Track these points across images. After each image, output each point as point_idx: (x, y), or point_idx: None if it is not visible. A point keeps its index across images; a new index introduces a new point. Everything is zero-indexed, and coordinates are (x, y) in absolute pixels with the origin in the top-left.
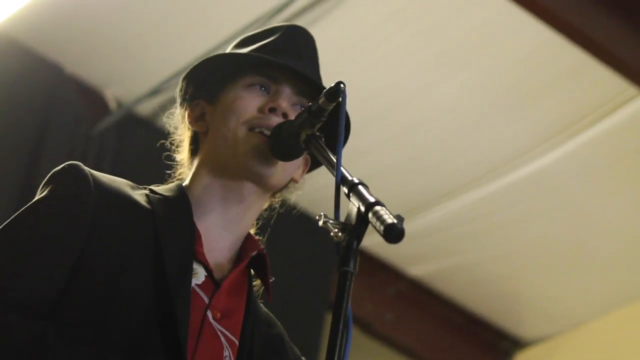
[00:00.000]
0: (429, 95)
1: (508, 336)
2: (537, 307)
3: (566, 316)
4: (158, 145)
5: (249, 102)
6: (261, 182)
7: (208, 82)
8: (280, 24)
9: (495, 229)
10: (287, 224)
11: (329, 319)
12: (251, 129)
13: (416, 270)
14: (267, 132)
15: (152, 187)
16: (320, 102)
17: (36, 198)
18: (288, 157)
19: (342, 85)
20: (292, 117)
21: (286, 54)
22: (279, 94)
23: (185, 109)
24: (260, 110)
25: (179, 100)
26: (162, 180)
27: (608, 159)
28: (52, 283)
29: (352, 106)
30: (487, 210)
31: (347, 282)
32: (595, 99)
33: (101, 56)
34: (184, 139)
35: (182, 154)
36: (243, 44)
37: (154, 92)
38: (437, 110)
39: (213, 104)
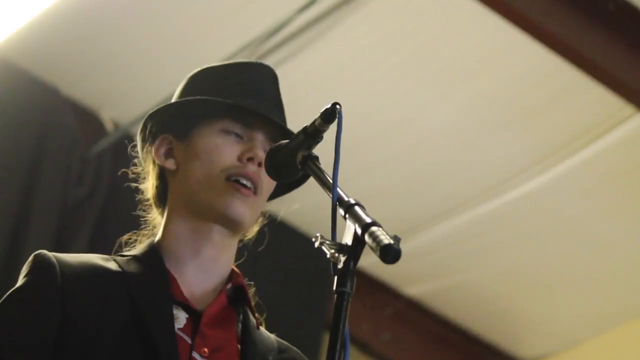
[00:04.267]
0: (424, 115)
1: (505, 355)
2: (535, 326)
3: (563, 335)
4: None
5: (227, 151)
6: (234, 227)
7: (177, 118)
8: (244, 61)
9: (491, 248)
10: (284, 244)
11: (326, 339)
12: (228, 178)
13: (413, 290)
14: (244, 182)
15: (124, 253)
16: (316, 123)
17: (10, 290)
18: (283, 177)
19: (338, 106)
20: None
21: (256, 98)
22: (254, 141)
23: (151, 144)
24: (240, 159)
25: (141, 135)
26: None
27: (604, 178)
28: None
29: (348, 127)
30: (483, 230)
31: (344, 303)
32: (591, 118)
33: (97, 78)
34: (148, 175)
35: (149, 192)
36: (206, 79)
37: None
38: (432, 130)
39: (182, 141)
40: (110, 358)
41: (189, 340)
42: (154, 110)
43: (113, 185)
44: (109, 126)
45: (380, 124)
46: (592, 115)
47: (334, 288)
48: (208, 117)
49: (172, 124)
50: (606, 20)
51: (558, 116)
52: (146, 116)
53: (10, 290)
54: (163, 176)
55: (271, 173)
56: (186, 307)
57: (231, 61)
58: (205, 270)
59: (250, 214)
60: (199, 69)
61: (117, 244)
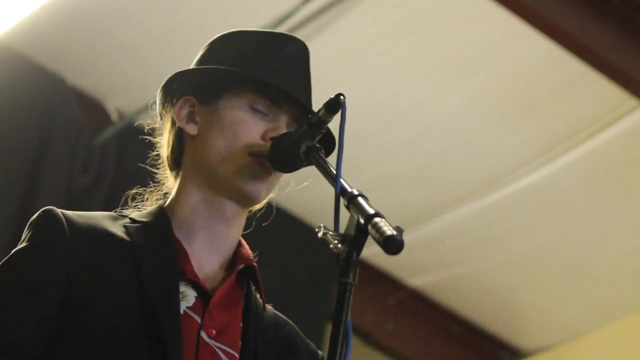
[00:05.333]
0: (429, 107)
1: (508, 346)
2: (537, 318)
3: (566, 326)
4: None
5: (252, 127)
6: (248, 204)
7: (204, 82)
8: (279, 32)
9: (495, 239)
10: (288, 234)
11: (329, 329)
12: (251, 154)
13: (416, 280)
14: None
15: (133, 214)
16: (320, 114)
17: (17, 247)
18: (288, 168)
19: (342, 97)
20: None
21: (287, 76)
22: (279, 121)
23: (172, 102)
24: (263, 137)
25: (163, 91)
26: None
27: (608, 170)
28: (35, 333)
29: (353, 118)
30: (487, 221)
31: (347, 293)
32: (595, 110)
33: (102, 67)
34: (165, 133)
35: (163, 151)
36: (237, 45)
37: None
38: (437, 122)
39: (207, 106)
40: (111, 334)
41: (198, 320)
42: (182, 70)
43: (118, 174)
44: (113, 115)
45: (384, 114)
46: (595, 107)
47: (337, 278)
48: (237, 87)
49: (197, 86)
50: (610, 12)
51: (562, 108)
52: (173, 74)
53: (17, 249)
54: (181, 137)
55: (275, 164)
56: (196, 285)
57: (266, 30)
58: (214, 244)
59: (266, 192)
60: (229, 31)
61: (123, 198)
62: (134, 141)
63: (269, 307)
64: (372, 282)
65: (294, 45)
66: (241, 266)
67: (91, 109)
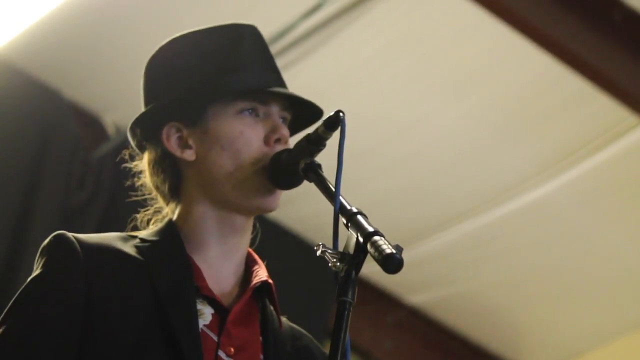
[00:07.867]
0: (429, 123)
1: None
2: (537, 336)
3: (566, 345)
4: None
5: (252, 136)
6: (265, 212)
7: (182, 104)
8: (228, 24)
9: (495, 257)
10: (286, 251)
11: (327, 347)
12: (265, 169)
13: (415, 298)
14: None
15: (142, 233)
16: (319, 130)
17: (31, 277)
18: (287, 186)
19: (341, 114)
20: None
21: (259, 69)
22: (274, 118)
23: (151, 138)
24: (266, 142)
25: (138, 129)
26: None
27: (609, 187)
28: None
29: (352, 133)
30: (486, 239)
31: (346, 312)
32: (595, 127)
33: (100, 82)
34: (150, 168)
35: (159, 190)
36: (193, 53)
37: None
38: (437, 138)
39: (196, 127)
40: (131, 355)
41: (215, 338)
42: (152, 105)
43: (114, 189)
44: (110, 130)
45: (383, 131)
46: (596, 124)
47: (336, 297)
48: (219, 98)
49: (177, 110)
50: (612, 29)
51: (562, 125)
52: (145, 111)
53: (32, 277)
54: (176, 166)
55: (274, 181)
56: (212, 301)
57: (210, 27)
58: (228, 256)
59: (279, 198)
60: (176, 39)
61: (131, 222)
62: (132, 156)
63: (284, 319)
64: (370, 299)
65: (248, 34)
66: (258, 284)
67: (88, 124)
